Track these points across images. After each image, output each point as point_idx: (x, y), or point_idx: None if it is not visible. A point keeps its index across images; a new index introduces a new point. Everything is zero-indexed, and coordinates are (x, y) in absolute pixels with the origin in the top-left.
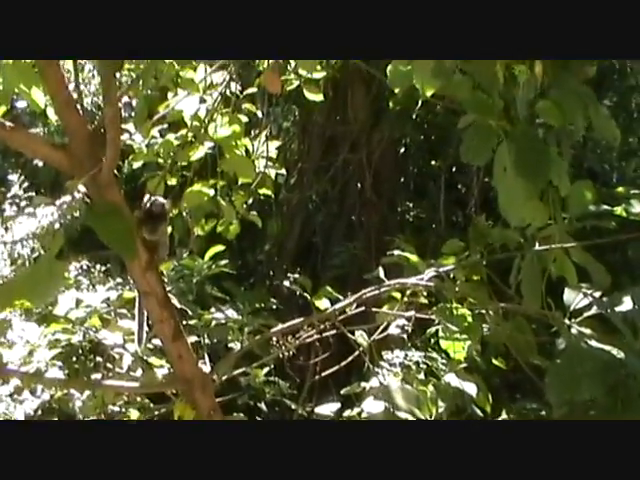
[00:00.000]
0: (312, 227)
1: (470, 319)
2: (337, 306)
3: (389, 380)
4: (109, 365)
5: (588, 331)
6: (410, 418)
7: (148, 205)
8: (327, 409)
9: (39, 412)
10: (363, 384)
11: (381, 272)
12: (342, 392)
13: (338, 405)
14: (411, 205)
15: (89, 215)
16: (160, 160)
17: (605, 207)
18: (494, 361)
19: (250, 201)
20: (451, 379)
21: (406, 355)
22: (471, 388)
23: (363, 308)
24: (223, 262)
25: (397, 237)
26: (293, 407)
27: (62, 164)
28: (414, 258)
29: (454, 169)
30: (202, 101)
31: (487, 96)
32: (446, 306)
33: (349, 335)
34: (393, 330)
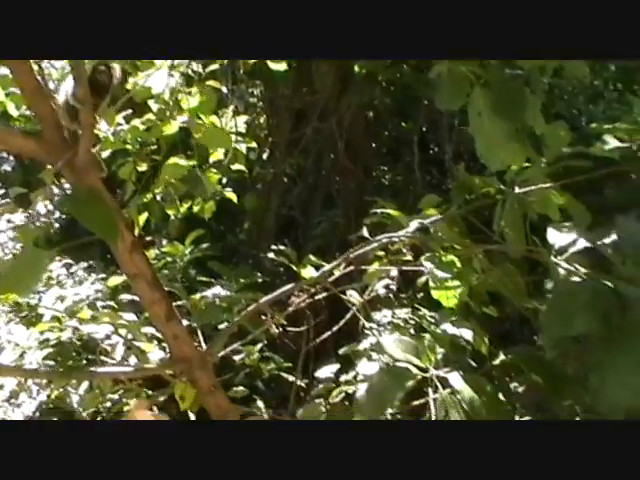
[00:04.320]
0: (289, 200)
1: (459, 264)
2: (326, 268)
3: (383, 337)
4: (103, 358)
5: (576, 266)
6: (410, 367)
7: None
8: (326, 371)
9: (37, 413)
10: (358, 345)
11: (365, 232)
12: (340, 352)
13: (337, 366)
14: (386, 168)
15: (68, 201)
16: (128, 147)
17: (581, 147)
18: (484, 309)
19: (224, 180)
20: (447, 327)
21: (394, 313)
22: (467, 334)
23: (352, 268)
24: (204, 245)
25: (375, 200)
26: (291, 380)
27: (36, 152)
28: (397, 213)
29: (425, 129)
30: (170, 75)
31: None
32: (434, 254)
33: (341, 296)
34: (380, 290)
